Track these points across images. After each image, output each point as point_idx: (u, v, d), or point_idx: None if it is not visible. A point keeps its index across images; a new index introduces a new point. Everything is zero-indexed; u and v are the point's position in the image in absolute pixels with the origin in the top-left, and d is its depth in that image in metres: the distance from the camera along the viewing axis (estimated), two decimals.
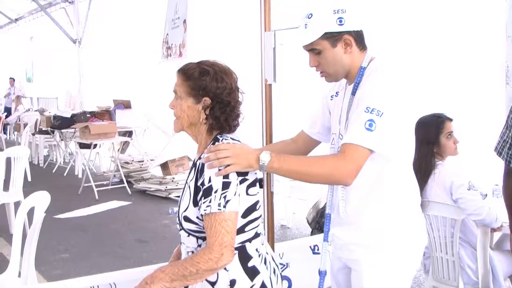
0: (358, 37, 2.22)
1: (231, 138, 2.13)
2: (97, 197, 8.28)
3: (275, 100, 3.82)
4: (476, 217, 3.46)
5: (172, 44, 9.21)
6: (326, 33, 2.16)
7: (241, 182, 2.01)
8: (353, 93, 2.22)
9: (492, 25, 4.66)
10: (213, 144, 2.08)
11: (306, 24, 2.20)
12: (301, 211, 6.72)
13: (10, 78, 17.56)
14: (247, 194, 2.03)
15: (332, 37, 2.17)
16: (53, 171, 10.76)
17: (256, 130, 3.39)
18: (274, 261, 2.20)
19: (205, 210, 1.96)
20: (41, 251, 3.89)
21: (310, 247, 3.43)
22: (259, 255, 2.09)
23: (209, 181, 1.98)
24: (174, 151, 8.91)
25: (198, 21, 9.10)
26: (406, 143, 2.26)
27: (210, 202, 1.95)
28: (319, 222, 5.74)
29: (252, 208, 2.06)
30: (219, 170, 1.97)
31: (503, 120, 4.16)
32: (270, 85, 3.34)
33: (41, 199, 3.58)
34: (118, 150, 10.14)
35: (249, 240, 2.07)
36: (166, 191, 8.39)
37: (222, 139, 2.10)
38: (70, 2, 14.37)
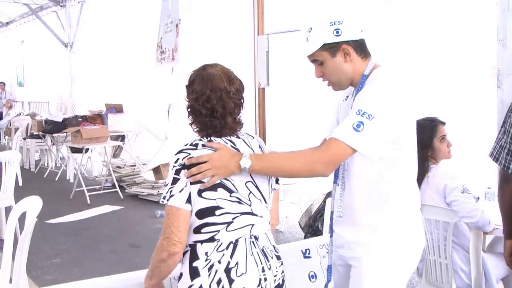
0: (358, 46, 2.31)
1: (206, 141, 2.17)
2: (89, 201, 8.25)
3: (269, 103, 3.83)
4: (469, 220, 3.47)
5: (165, 48, 9.20)
6: (324, 45, 2.27)
7: (193, 183, 2.07)
8: (354, 99, 2.31)
9: (484, 29, 4.69)
10: (191, 145, 2.15)
11: (307, 38, 2.32)
12: (294, 215, 6.73)
13: (1, 82, 17.48)
14: (200, 196, 2.08)
15: (331, 48, 2.28)
16: (45, 175, 10.71)
17: (249, 127, 3.40)
18: (227, 274, 2.07)
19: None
20: (33, 256, 3.88)
21: (302, 251, 3.41)
22: (206, 260, 2.09)
23: (168, 176, 2.13)
24: (167, 155, 8.90)
25: (191, 25, 9.10)
26: (403, 148, 2.30)
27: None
28: (312, 226, 5.73)
29: (207, 212, 2.09)
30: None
31: (495, 123, 4.19)
32: (263, 88, 3.35)
33: (33, 204, 3.56)
34: (111, 155, 10.11)
35: (201, 242, 2.11)
36: (159, 195, 8.35)
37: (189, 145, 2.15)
38: (61, 6, 14.31)
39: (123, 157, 10.72)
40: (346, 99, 2.50)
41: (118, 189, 8.75)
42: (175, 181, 2.08)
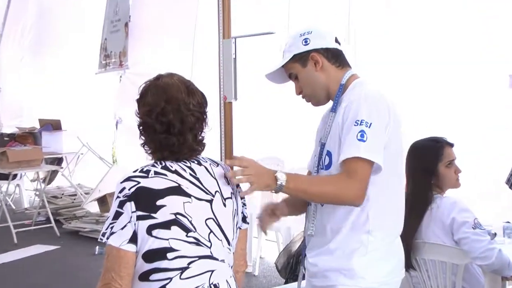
0: (330, 55, 2.63)
1: (161, 167, 2.15)
2: (15, 240, 8.11)
3: (236, 119, 3.80)
4: (483, 262, 3.44)
5: (111, 52, 9.14)
6: (295, 56, 2.63)
7: (141, 218, 2.03)
8: (333, 109, 2.60)
9: (499, 42, 4.75)
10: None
11: (284, 53, 2.68)
12: (271, 254, 6.70)
13: None
14: (150, 234, 2.03)
15: (301, 58, 2.62)
16: None
17: (213, 153, 3.37)
18: None
19: None
20: None
21: None
22: None
23: (111, 208, 2.09)
24: (115, 183, 8.80)
25: (144, 25, 9.06)
26: (390, 161, 2.47)
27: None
28: (294, 270, 5.68)
29: (158, 254, 2.04)
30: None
31: None
32: (230, 103, 3.31)
33: None
34: (44, 181, 9.99)
35: None
36: None
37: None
38: None
39: (60, 184, 10.60)
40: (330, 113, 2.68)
41: (53, 224, 8.63)
42: (117, 215, 2.04)
